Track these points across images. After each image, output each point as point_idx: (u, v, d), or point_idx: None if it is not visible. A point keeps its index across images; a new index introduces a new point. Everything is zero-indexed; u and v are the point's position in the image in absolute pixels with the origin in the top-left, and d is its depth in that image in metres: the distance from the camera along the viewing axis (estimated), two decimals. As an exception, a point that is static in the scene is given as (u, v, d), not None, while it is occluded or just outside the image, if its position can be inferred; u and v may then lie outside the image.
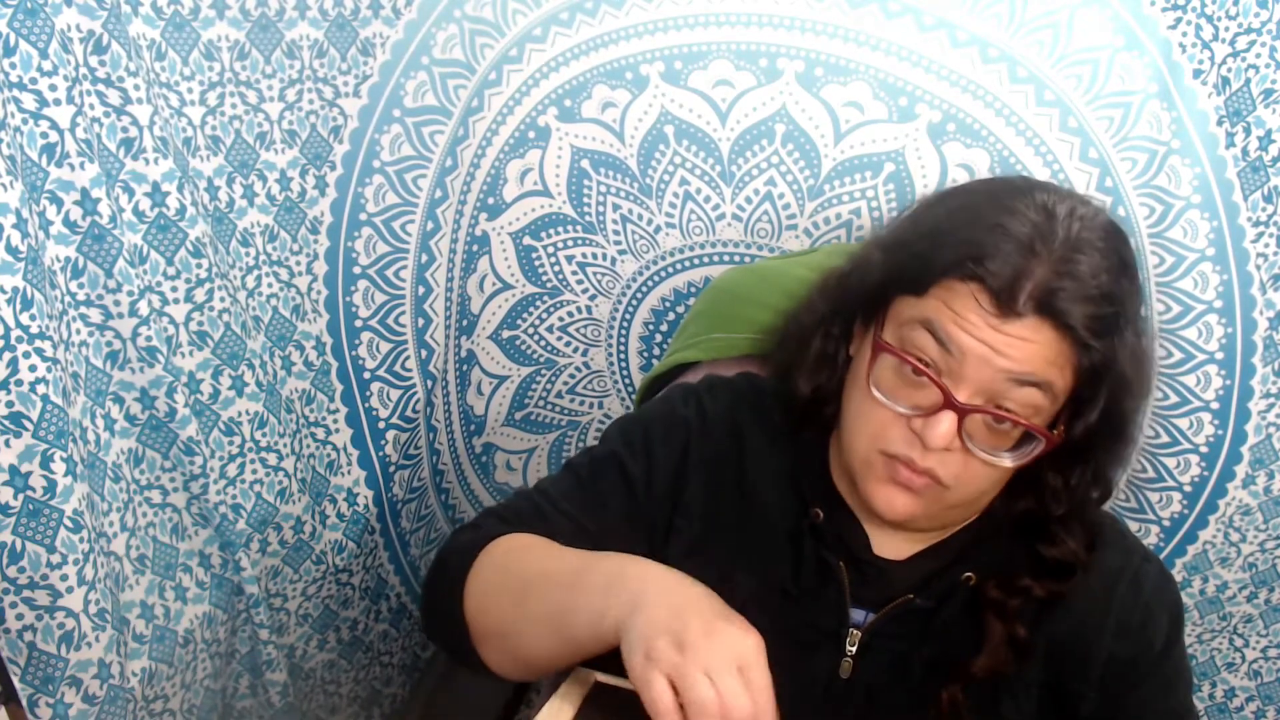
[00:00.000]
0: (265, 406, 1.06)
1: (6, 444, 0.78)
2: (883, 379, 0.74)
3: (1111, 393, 0.72)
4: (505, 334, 1.32)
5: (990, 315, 0.68)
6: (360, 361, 1.22)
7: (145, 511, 0.98)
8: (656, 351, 1.30)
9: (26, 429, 0.79)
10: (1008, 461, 0.73)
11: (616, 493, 0.83)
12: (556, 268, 1.26)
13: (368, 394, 1.23)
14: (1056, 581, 0.78)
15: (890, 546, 0.81)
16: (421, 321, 1.24)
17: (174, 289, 0.95)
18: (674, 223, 1.20)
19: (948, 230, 0.72)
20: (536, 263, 1.27)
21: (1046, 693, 0.80)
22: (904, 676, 0.80)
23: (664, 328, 1.28)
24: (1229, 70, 1.02)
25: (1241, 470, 1.15)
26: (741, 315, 1.03)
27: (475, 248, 1.26)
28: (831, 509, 0.81)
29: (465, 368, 1.34)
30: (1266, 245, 1.07)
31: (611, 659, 0.72)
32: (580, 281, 1.27)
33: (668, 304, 1.26)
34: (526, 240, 1.25)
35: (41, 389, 0.79)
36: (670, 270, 1.24)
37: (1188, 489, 1.17)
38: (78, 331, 0.89)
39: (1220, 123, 1.04)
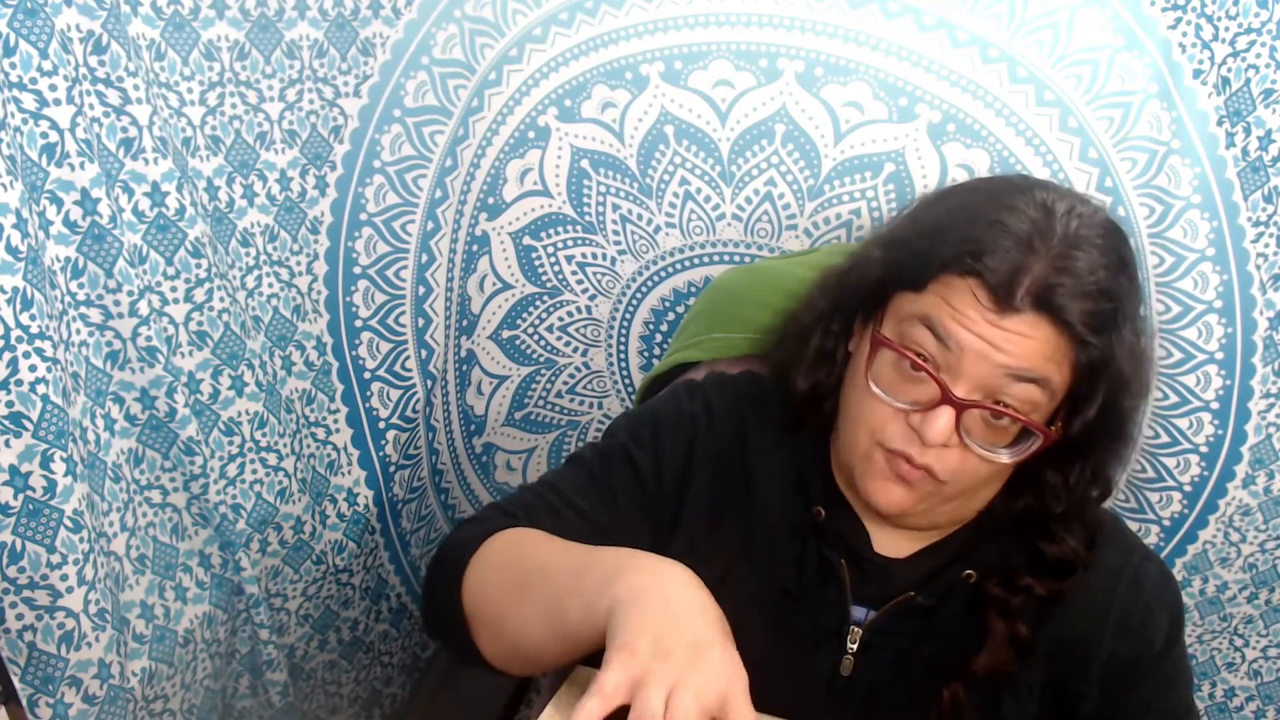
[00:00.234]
0: (265, 406, 1.06)
1: (6, 444, 0.78)
2: (882, 374, 0.74)
3: (1109, 389, 0.72)
4: (505, 334, 1.32)
5: (988, 311, 0.69)
6: (360, 361, 1.22)
7: (145, 511, 0.98)
8: (656, 351, 1.30)
9: (26, 429, 0.79)
10: (1005, 457, 0.73)
11: (627, 487, 0.83)
12: (556, 268, 1.26)
13: (368, 394, 1.23)
14: (1057, 580, 0.78)
15: (891, 544, 0.81)
16: (421, 321, 1.24)
17: (174, 289, 0.95)
18: (674, 223, 1.20)
19: (947, 227, 0.73)
20: (536, 263, 1.27)
21: (1047, 692, 0.80)
22: (905, 674, 0.80)
23: (664, 328, 1.28)
24: (1229, 70, 1.02)
25: (1241, 470, 1.15)
26: (741, 315, 1.03)
27: (475, 248, 1.26)
28: (833, 507, 0.81)
29: (465, 368, 1.34)
30: (1266, 245, 1.07)
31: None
32: (580, 281, 1.27)
33: (668, 304, 1.26)
34: (526, 240, 1.25)
35: (41, 389, 0.79)
36: (670, 270, 1.24)
37: (1188, 489, 1.17)
38: (78, 331, 0.89)
39: (1220, 123, 1.04)
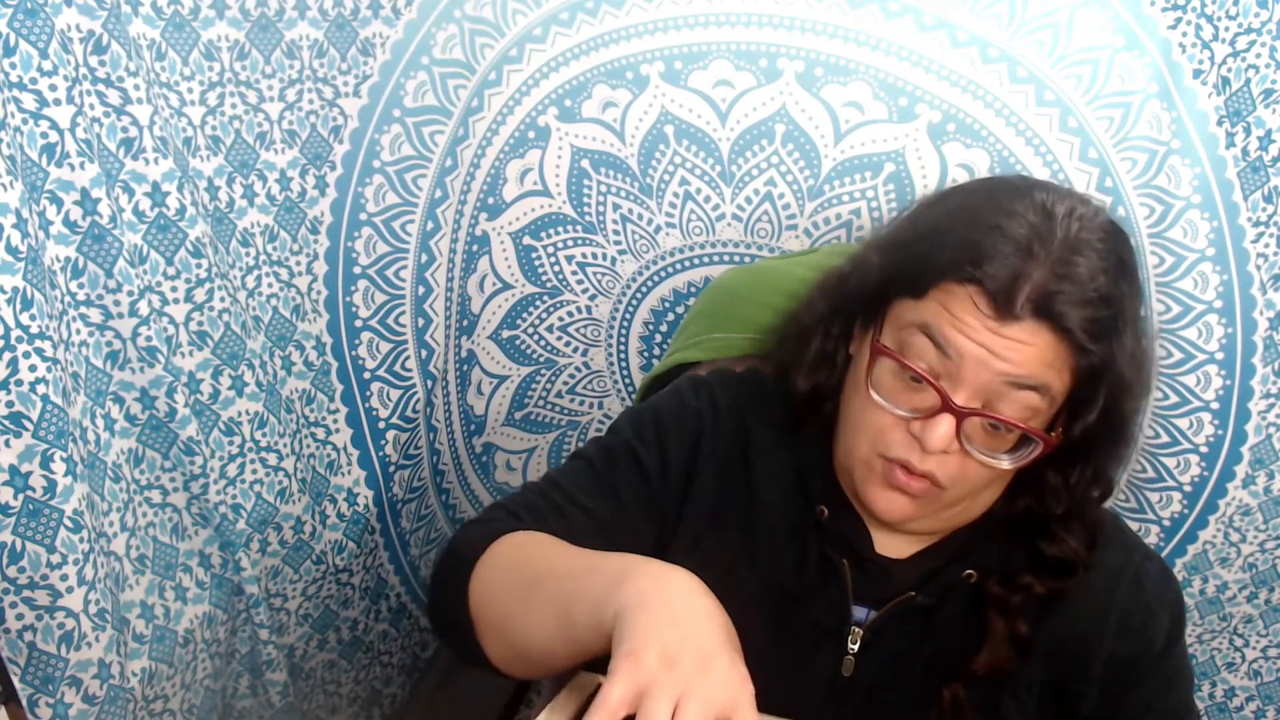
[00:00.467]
0: (265, 406, 1.06)
1: (6, 444, 0.78)
2: (881, 382, 0.74)
3: (1110, 393, 0.72)
4: (505, 334, 1.32)
5: (988, 318, 0.68)
6: (360, 361, 1.22)
7: (145, 511, 0.98)
8: (656, 351, 1.30)
9: (26, 429, 0.79)
10: (1006, 464, 0.73)
11: (631, 484, 0.83)
12: (556, 268, 1.26)
13: (368, 394, 1.23)
14: (1058, 579, 0.78)
15: (892, 545, 0.81)
16: (421, 321, 1.24)
17: (174, 289, 0.95)
18: (674, 223, 1.20)
19: (946, 232, 0.72)
20: (536, 263, 1.27)
21: (1048, 691, 0.80)
22: (906, 674, 0.80)
23: (664, 328, 1.28)
24: (1229, 70, 1.02)
25: (1241, 470, 1.15)
26: (741, 315, 1.03)
27: (475, 248, 1.26)
28: (835, 507, 0.81)
29: (465, 368, 1.34)
30: (1266, 245, 1.07)
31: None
32: (580, 281, 1.27)
33: (668, 304, 1.26)
34: (526, 240, 1.25)
35: (41, 389, 0.79)
36: (670, 270, 1.24)
37: (1188, 489, 1.17)
38: (78, 331, 0.89)
39: (1220, 123, 1.04)
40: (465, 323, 1.30)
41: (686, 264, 1.23)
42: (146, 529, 0.98)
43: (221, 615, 1.07)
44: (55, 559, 0.81)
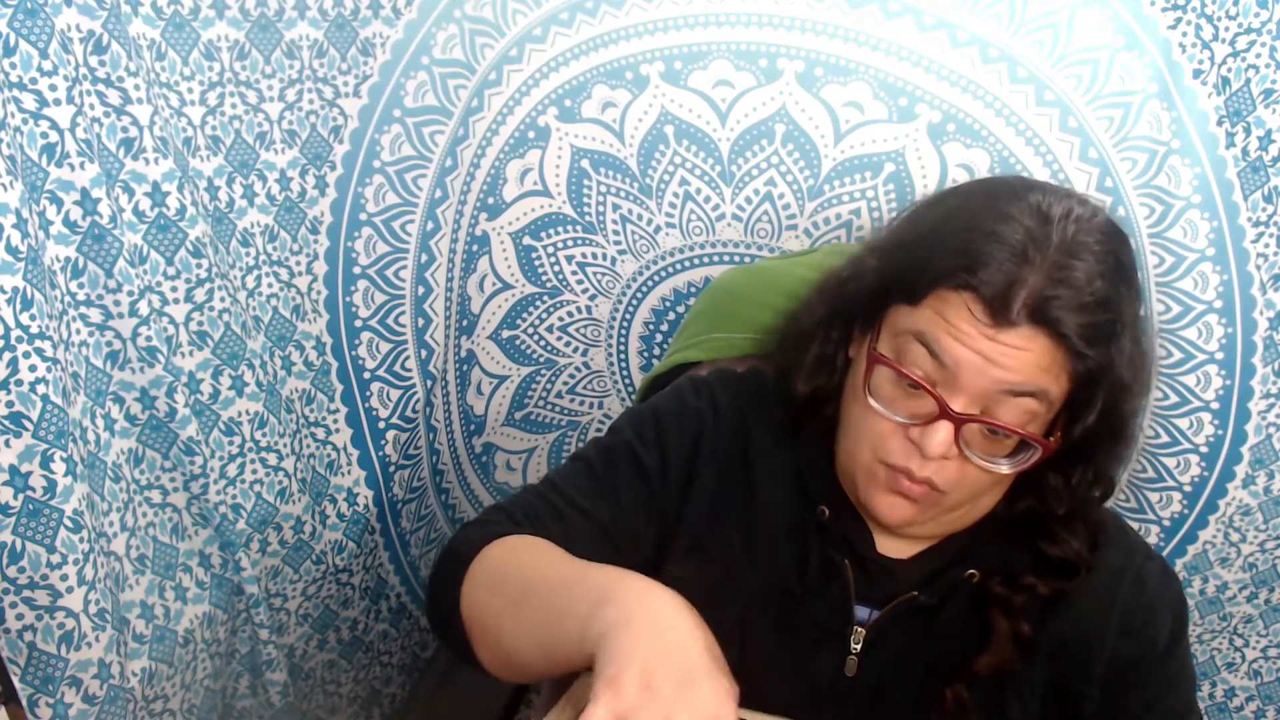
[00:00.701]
0: (265, 406, 1.06)
1: (6, 444, 0.78)
2: (880, 388, 0.74)
3: (1109, 396, 0.72)
4: (505, 334, 1.32)
5: (984, 325, 0.68)
6: (360, 361, 1.22)
7: (145, 511, 0.98)
8: (656, 351, 1.30)
9: (26, 429, 0.79)
10: (1005, 468, 0.73)
11: (631, 485, 0.83)
12: (556, 268, 1.26)
13: (368, 394, 1.23)
14: (1060, 580, 0.78)
15: (894, 545, 0.81)
16: (421, 321, 1.24)
17: (174, 289, 0.95)
18: (674, 223, 1.20)
19: (941, 237, 0.72)
20: (536, 263, 1.27)
21: (1050, 692, 0.80)
22: (909, 674, 0.80)
23: (664, 328, 1.28)
24: (1229, 70, 1.02)
25: (1241, 470, 1.15)
26: (741, 315, 1.03)
27: (475, 248, 1.26)
28: (836, 507, 0.81)
29: (465, 368, 1.34)
30: (1266, 245, 1.07)
31: None
32: (580, 281, 1.27)
33: (668, 304, 1.26)
34: (526, 240, 1.25)
35: (41, 389, 0.79)
36: (670, 270, 1.24)
37: (1188, 489, 1.17)
38: (78, 331, 0.89)
39: (1220, 123, 1.04)
40: (465, 323, 1.30)
41: (686, 264, 1.23)
42: (146, 529, 0.98)
43: (221, 615, 1.07)
44: (55, 559, 0.81)
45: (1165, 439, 1.15)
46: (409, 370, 1.25)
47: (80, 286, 0.88)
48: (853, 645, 0.80)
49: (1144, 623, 0.79)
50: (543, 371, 1.35)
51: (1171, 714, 0.81)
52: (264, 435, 1.06)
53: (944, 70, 1.07)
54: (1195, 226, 1.07)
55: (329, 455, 1.21)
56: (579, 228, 1.23)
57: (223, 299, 0.99)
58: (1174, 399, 1.13)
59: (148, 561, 0.98)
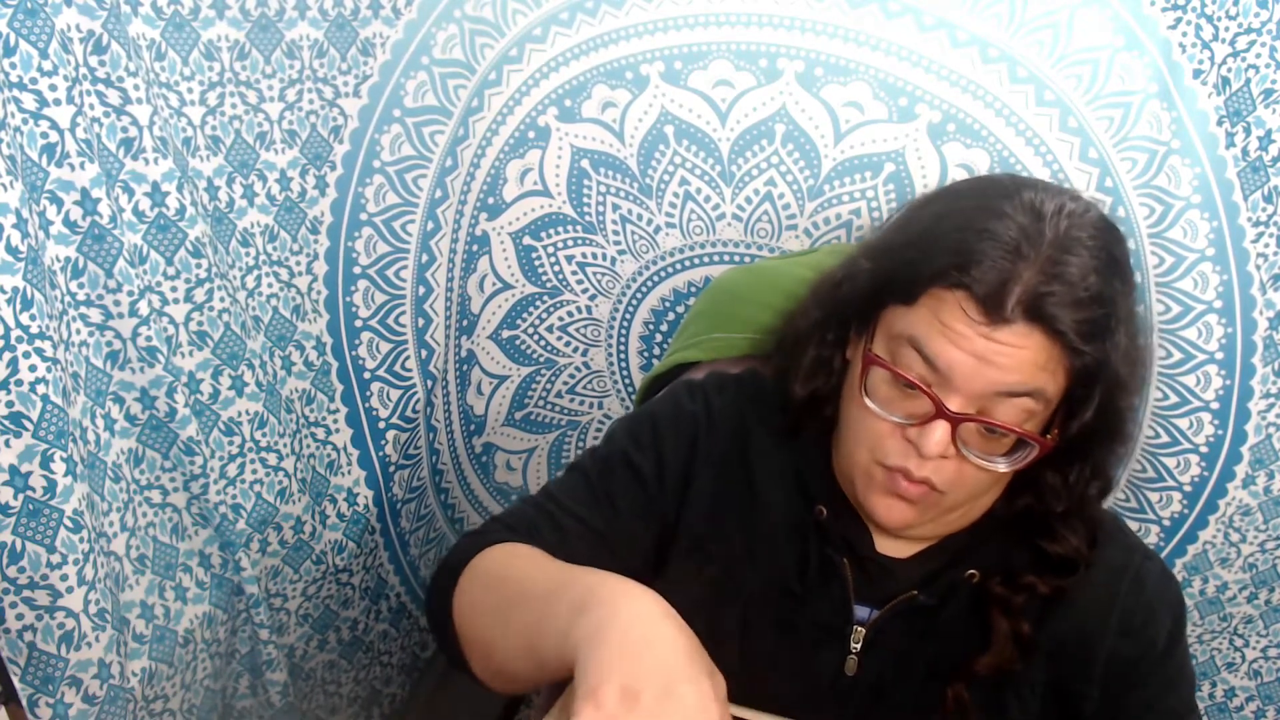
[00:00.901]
0: (265, 406, 1.06)
1: (6, 444, 0.78)
2: (876, 389, 0.74)
3: (1105, 392, 0.72)
4: (505, 334, 1.32)
5: (979, 324, 0.68)
6: (360, 361, 1.22)
7: (145, 511, 0.98)
8: (656, 351, 1.30)
9: (26, 429, 0.79)
10: (1002, 466, 0.73)
11: (627, 491, 0.83)
12: (556, 268, 1.26)
13: (368, 394, 1.23)
14: (1059, 578, 0.78)
15: (893, 544, 0.82)
16: (421, 321, 1.24)
17: (174, 289, 0.95)
18: (674, 223, 1.20)
19: (934, 237, 0.72)
20: (536, 263, 1.27)
21: (1050, 691, 0.80)
22: (908, 674, 0.80)
23: (664, 328, 1.28)
24: (1229, 70, 1.02)
25: (1241, 470, 1.15)
26: (741, 315, 1.03)
27: (475, 248, 1.26)
28: (835, 507, 0.81)
29: (465, 368, 1.34)
30: (1266, 245, 1.07)
31: None
32: (580, 281, 1.27)
33: (668, 304, 1.26)
34: (526, 240, 1.25)
35: (41, 389, 0.79)
36: (670, 270, 1.24)
37: (1188, 489, 1.17)
38: (78, 331, 0.89)
39: (1220, 123, 1.04)
40: (465, 323, 1.30)
41: (686, 264, 1.23)
42: (146, 529, 0.98)
43: (221, 615, 1.07)
44: (55, 559, 0.81)
45: (1165, 439, 1.15)
46: (409, 370, 1.25)
47: (80, 286, 0.88)
48: (853, 645, 0.80)
49: (1143, 623, 0.79)
50: (543, 371, 1.35)
51: (1171, 714, 0.81)
52: (264, 435, 1.06)
53: (944, 70, 1.07)
54: (1195, 226, 1.07)
55: (329, 455, 1.21)
56: (579, 228, 1.23)
57: (223, 299, 0.99)
58: (1174, 399, 1.13)
59: (148, 561, 0.98)
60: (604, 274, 1.26)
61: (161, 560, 0.99)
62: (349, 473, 1.23)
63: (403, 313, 1.22)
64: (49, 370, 0.79)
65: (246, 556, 1.06)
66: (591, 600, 0.63)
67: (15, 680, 0.83)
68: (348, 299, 1.19)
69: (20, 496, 0.79)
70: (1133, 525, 1.17)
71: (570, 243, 1.24)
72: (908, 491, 0.74)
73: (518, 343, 1.33)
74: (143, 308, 0.91)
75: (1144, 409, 1.14)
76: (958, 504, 0.76)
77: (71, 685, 0.85)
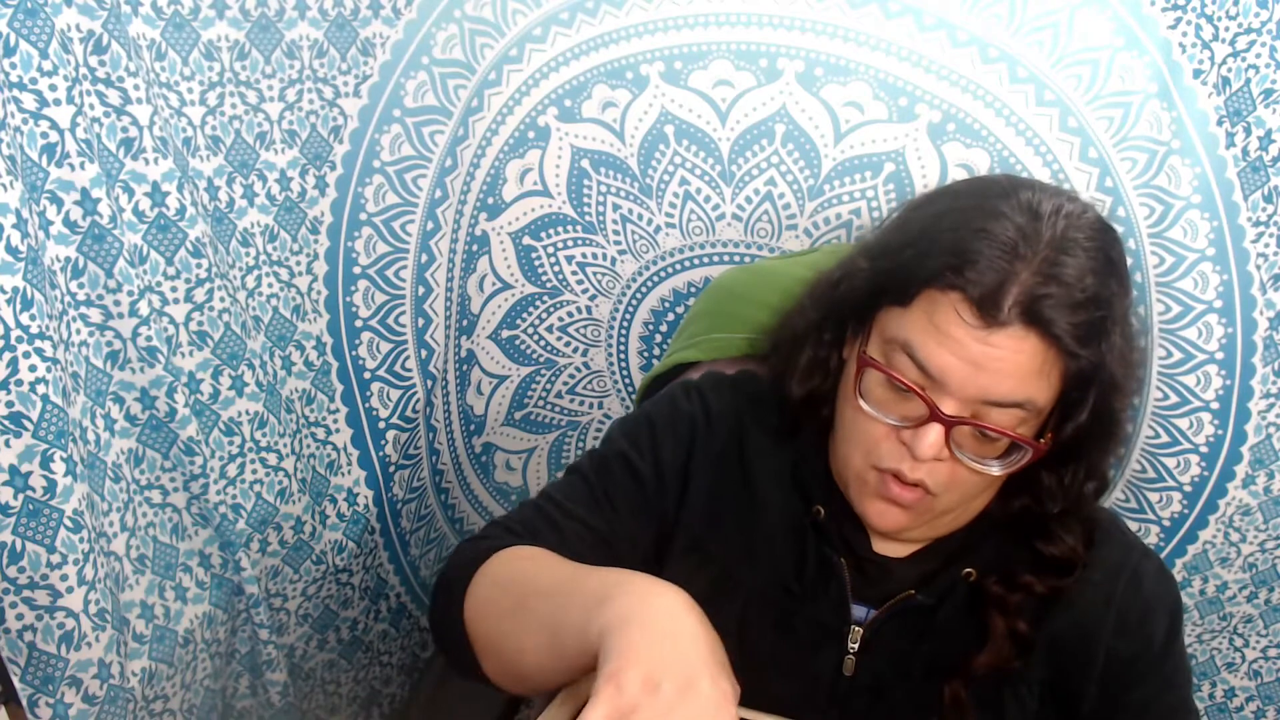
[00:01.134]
0: (265, 406, 1.06)
1: (6, 444, 0.78)
2: (870, 391, 0.74)
3: (1100, 394, 0.72)
4: (505, 334, 1.32)
5: (974, 327, 0.68)
6: (360, 361, 1.22)
7: (145, 511, 0.98)
8: (656, 351, 1.30)
9: (26, 429, 0.79)
10: (996, 469, 0.73)
11: (625, 492, 0.83)
12: (556, 268, 1.26)
13: (368, 394, 1.23)
14: (1057, 578, 0.78)
15: (891, 544, 0.82)
16: (421, 321, 1.24)
17: (174, 289, 0.95)
18: (674, 223, 1.20)
19: (930, 238, 0.72)
20: (536, 263, 1.27)
21: (1048, 690, 0.80)
22: (907, 673, 0.80)
23: (664, 328, 1.28)
24: (1229, 70, 1.02)
25: (1241, 470, 1.15)
26: (741, 315, 1.03)
27: (475, 248, 1.26)
28: (833, 507, 0.81)
29: (465, 368, 1.34)
30: (1266, 245, 1.07)
31: None
32: (580, 281, 1.27)
33: (668, 304, 1.26)
34: (526, 240, 1.25)
35: (41, 389, 0.79)
36: (670, 270, 1.24)
37: (1188, 489, 1.17)
38: (78, 331, 0.89)
39: (1220, 123, 1.04)
40: (465, 323, 1.30)
41: (686, 264, 1.23)
42: (146, 529, 0.98)
43: (221, 615, 1.07)
44: (55, 559, 0.81)
45: (1165, 439, 1.15)
46: (409, 370, 1.25)
47: (80, 286, 0.88)
48: (850, 644, 0.80)
49: (1140, 621, 0.79)
50: (543, 371, 1.35)
51: (1169, 712, 0.81)
52: (264, 435, 1.06)
53: (944, 70, 1.07)
54: (1195, 226, 1.07)
55: (329, 455, 1.21)
56: (579, 228, 1.23)
57: (223, 299, 0.99)
58: (1174, 399, 1.13)
59: (148, 561, 0.98)
60: (604, 274, 1.26)
61: (161, 560, 0.99)
62: (349, 473, 1.23)
63: (403, 313, 1.22)
64: (49, 370, 0.79)
65: (246, 556, 1.06)
66: (617, 591, 0.63)
67: (15, 680, 0.83)
68: (348, 299, 1.19)
69: (20, 496, 0.79)
70: (1133, 525, 1.17)
71: (570, 243, 1.24)
72: (901, 496, 0.74)
73: (518, 343, 1.33)
74: (143, 308, 0.91)
75: (1144, 409, 1.14)
76: (951, 507, 0.76)
77: (71, 685, 0.85)
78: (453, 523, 1.43)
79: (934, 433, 0.70)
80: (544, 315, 1.30)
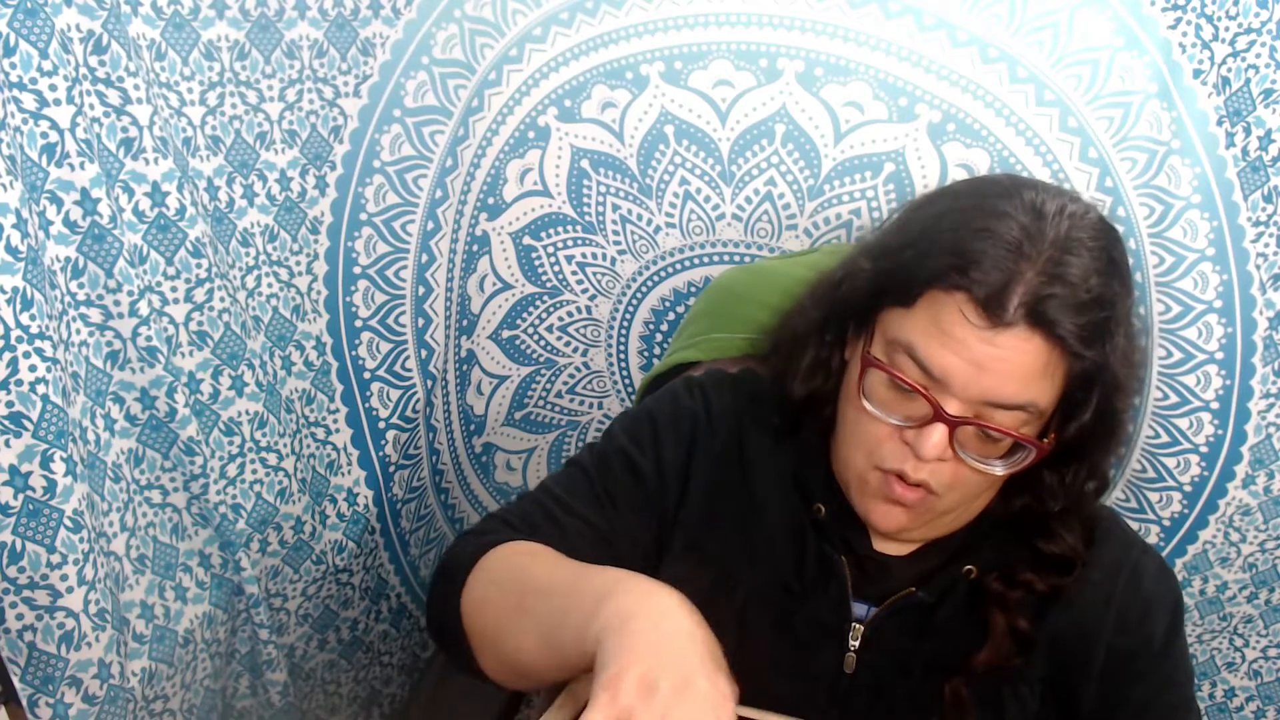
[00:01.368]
0: (265, 406, 1.06)
1: (6, 444, 0.78)
2: (874, 391, 0.74)
3: (1103, 394, 0.72)
4: (505, 334, 1.32)
5: (978, 327, 0.67)
6: (360, 361, 1.22)
7: (145, 511, 0.98)
8: (656, 351, 1.30)
9: (26, 429, 0.79)
10: (999, 469, 0.73)
11: (625, 488, 0.83)
12: (556, 268, 1.26)
13: (368, 394, 1.23)
14: (1057, 576, 0.78)
15: (891, 542, 0.82)
16: (421, 321, 1.24)
17: (174, 289, 0.95)
18: (674, 223, 1.20)
19: (935, 237, 0.71)
20: (536, 263, 1.27)
21: (1048, 688, 0.80)
22: (907, 671, 0.80)
23: (664, 328, 1.28)
24: (1229, 70, 1.02)
25: (1241, 470, 1.15)
26: (741, 315, 1.03)
27: (475, 248, 1.26)
28: (833, 505, 0.81)
29: (465, 368, 1.34)
30: (1266, 245, 1.07)
31: None
32: (580, 281, 1.27)
33: (668, 304, 1.26)
34: (526, 240, 1.25)
35: (41, 389, 0.79)
36: (670, 270, 1.24)
37: (1188, 489, 1.17)
38: (78, 331, 0.89)
39: (1220, 123, 1.04)
40: (465, 323, 1.30)
41: (686, 264, 1.23)
42: (146, 529, 0.98)
43: (221, 615, 1.07)
44: (55, 559, 0.81)
45: (1165, 439, 1.15)
46: (409, 370, 1.25)
47: (80, 286, 0.88)
48: (851, 642, 0.80)
49: (1140, 618, 0.79)
50: (543, 371, 1.35)
51: (1169, 709, 0.81)
52: (264, 435, 1.06)
53: (944, 70, 1.07)
54: (1195, 226, 1.07)
55: (329, 455, 1.21)
56: (579, 228, 1.23)
57: (223, 299, 0.99)
58: (1174, 399, 1.13)
59: (148, 561, 0.98)
60: (604, 274, 1.26)
61: (161, 560, 0.99)
62: (349, 473, 1.23)
63: (403, 313, 1.22)
64: (49, 370, 0.79)
65: (246, 556, 1.06)
66: (616, 592, 0.64)
67: (15, 680, 0.83)
68: (348, 299, 1.19)
69: (20, 496, 0.79)
70: (1133, 525, 1.17)
71: (570, 243, 1.24)
72: (903, 496, 0.74)
73: (518, 343, 1.33)
74: (143, 308, 0.91)
75: (1144, 409, 1.14)
76: (952, 507, 0.76)
77: (71, 685, 0.85)
78: (453, 523, 1.43)
79: (938, 433, 0.70)
80: (544, 315, 1.30)
